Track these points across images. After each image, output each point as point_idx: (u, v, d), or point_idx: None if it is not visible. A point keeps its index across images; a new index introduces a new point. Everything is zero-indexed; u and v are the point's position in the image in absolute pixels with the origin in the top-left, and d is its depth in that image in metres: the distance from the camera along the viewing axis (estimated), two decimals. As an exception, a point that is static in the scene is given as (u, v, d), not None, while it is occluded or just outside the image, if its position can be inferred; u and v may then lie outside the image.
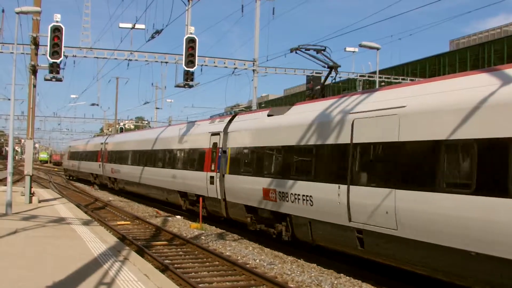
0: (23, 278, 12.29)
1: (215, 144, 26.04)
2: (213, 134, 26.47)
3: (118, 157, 46.27)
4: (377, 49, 40.46)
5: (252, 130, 22.48)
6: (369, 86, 55.11)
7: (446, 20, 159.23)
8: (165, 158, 33.93)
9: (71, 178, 73.19)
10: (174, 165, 32.09)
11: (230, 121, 25.48)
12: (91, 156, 57.66)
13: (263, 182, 20.48)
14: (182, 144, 31.20)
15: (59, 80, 28.12)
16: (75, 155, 68.81)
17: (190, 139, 30.13)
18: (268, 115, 21.55)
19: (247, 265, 17.29)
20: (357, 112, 15.68)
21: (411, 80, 52.35)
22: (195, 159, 28.55)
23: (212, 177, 25.76)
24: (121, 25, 40.00)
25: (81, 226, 22.07)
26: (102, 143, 53.55)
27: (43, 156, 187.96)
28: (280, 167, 19.58)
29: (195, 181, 27.95)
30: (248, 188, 21.80)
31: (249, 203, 21.93)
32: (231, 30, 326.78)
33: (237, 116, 25.32)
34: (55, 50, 25.70)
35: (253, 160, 21.67)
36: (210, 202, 26.33)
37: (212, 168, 25.83)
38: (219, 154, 25.20)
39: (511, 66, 11.85)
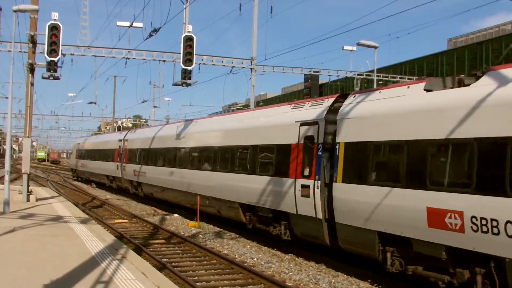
0: (20, 277, 12.29)
1: (309, 138, 18.74)
2: (306, 123, 19.07)
3: (145, 156, 38.07)
4: (375, 47, 40.53)
5: (399, 115, 14.57)
6: (367, 84, 55.16)
7: (444, 19, 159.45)
8: (221, 157, 25.64)
9: (80, 179, 65.91)
10: (235, 167, 23.98)
11: (334, 103, 18.38)
12: (106, 155, 49.54)
13: (427, 198, 13.11)
14: (249, 138, 23.10)
15: (57, 78, 28.09)
16: (84, 154, 61.25)
17: (261, 132, 22.34)
18: (426, 90, 14.29)
19: (245, 264, 17.31)
20: None
21: (409, 79, 52.38)
22: (273, 160, 20.84)
23: (305, 187, 18.38)
24: (119, 23, 40.13)
25: (79, 224, 22.06)
26: (120, 140, 45.63)
27: (41, 154, 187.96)
28: (475, 174, 12.01)
29: (274, 191, 20.39)
30: (393, 206, 14.24)
31: (392, 231, 14.47)
32: (229, 28, 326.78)
33: (352, 96, 17.51)
34: (53, 49, 25.66)
35: (402, 163, 14.15)
36: (300, 222, 18.93)
37: (306, 173, 18.44)
38: (319, 153, 18.00)
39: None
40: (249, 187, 22.24)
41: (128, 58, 41.50)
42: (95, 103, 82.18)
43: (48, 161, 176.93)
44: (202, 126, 30.20)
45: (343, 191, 16.21)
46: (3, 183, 29.63)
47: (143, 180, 38.16)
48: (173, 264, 17.23)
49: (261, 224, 22.24)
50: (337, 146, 16.79)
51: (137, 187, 40.53)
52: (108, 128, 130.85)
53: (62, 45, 26.65)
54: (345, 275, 16.29)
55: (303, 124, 19.13)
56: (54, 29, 25.62)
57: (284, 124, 20.58)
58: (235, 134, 24.67)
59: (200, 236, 23.20)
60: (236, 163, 23.93)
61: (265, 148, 21.53)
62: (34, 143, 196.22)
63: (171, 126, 36.31)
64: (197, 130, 30.24)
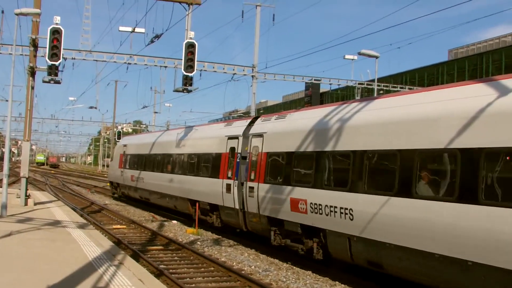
0: (16, 281, 12.23)
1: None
2: (231, 138, 25.25)
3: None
4: (376, 57, 40.51)
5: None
6: (367, 94, 55.19)
7: (445, 30, 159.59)
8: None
9: (122, 196, 45.52)
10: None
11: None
12: (201, 165, 27.80)
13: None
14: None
15: (58, 82, 28.09)
16: (140, 161, 39.33)
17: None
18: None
19: (243, 271, 17.26)
20: None
21: (409, 88, 52.38)
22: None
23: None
24: (121, 28, 40.09)
25: (77, 229, 22.01)
26: (234, 137, 24.67)
27: (40, 158, 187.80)
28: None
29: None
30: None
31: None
32: (232, 35, 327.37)
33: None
34: (54, 52, 25.63)
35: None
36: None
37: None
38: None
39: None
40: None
41: (130, 63, 41.56)
42: (95, 108, 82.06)
43: (47, 165, 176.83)
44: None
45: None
46: (1, 187, 29.58)
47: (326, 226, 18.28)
48: (171, 270, 17.17)
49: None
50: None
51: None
52: (108, 133, 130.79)
53: (63, 49, 26.65)
54: (342, 284, 16.25)
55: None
56: (56, 33, 25.61)
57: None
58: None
59: (198, 243, 23.16)
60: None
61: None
62: (34, 147, 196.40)
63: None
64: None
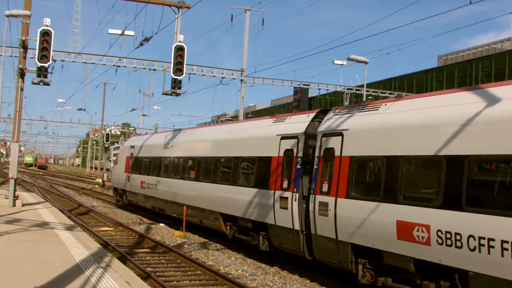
0: (2, 283, 12.22)
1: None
2: (286, 137, 19.79)
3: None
4: (365, 63, 40.71)
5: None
6: (356, 99, 55.40)
7: (435, 36, 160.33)
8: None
9: (128, 205, 40.81)
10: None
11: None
12: (240, 172, 22.70)
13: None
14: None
15: (47, 84, 28.02)
16: (155, 165, 34.06)
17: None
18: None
19: (229, 275, 17.30)
20: None
21: (398, 94, 52.62)
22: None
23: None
24: (111, 31, 40.11)
25: (64, 231, 21.99)
26: (300, 137, 19.09)
27: (28, 159, 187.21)
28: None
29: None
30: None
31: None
32: (221, 39, 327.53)
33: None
34: (44, 54, 25.60)
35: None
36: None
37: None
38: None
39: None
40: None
41: (119, 66, 41.57)
42: (84, 110, 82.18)
43: (35, 166, 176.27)
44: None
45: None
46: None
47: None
48: (158, 273, 17.21)
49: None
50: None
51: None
52: (96, 135, 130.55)
53: (53, 51, 26.63)
54: (329, 289, 16.33)
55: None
56: (45, 35, 25.58)
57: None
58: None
59: (186, 246, 23.18)
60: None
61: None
62: (22, 148, 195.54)
63: None
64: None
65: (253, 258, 20.96)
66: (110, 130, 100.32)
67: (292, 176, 18.56)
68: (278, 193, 19.15)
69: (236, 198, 22.34)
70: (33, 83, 28.23)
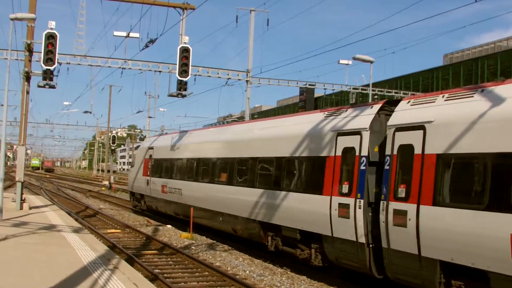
0: (11, 286, 12.25)
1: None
2: (345, 133, 16.89)
3: None
4: (371, 62, 40.57)
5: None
6: (362, 99, 55.34)
7: (440, 35, 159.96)
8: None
9: (147, 211, 38.03)
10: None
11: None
12: (284, 174, 20.19)
13: None
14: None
15: (53, 87, 28.08)
16: (178, 168, 31.16)
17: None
18: None
19: (237, 276, 17.27)
20: None
21: (404, 93, 52.56)
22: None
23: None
24: (116, 33, 40.19)
25: (72, 233, 22.01)
26: (364, 133, 16.33)
27: (35, 162, 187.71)
28: None
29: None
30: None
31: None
32: (226, 40, 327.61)
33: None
34: (49, 57, 25.67)
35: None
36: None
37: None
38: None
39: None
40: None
41: (124, 68, 41.54)
42: (90, 112, 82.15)
43: (42, 169, 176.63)
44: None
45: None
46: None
47: None
48: (165, 275, 17.19)
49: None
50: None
51: None
52: (102, 137, 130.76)
53: (58, 53, 26.69)
54: (337, 289, 16.27)
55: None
56: (50, 38, 25.64)
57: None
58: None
59: (193, 247, 23.16)
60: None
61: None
62: (29, 151, 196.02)
63: None
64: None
65: (261, 258, 20.92)
66: (117, 132, 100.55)
67: (355, 179, 15.73)
68: (335, 199, 16.32)
69: (280, 205, 19.44)
70: (39, 86, 28.33)
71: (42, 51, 25.83)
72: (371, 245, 15.10)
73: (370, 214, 15.16)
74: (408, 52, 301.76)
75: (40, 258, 15.87)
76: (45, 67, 26.39)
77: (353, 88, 51.67)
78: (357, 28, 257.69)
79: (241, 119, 54.04)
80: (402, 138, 14.24)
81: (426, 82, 65.90)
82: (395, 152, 14.36)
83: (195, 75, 41.93)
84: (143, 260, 19.63)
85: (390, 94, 52.80)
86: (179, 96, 28.69)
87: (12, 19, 26.21)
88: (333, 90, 52.17)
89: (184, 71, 27.06)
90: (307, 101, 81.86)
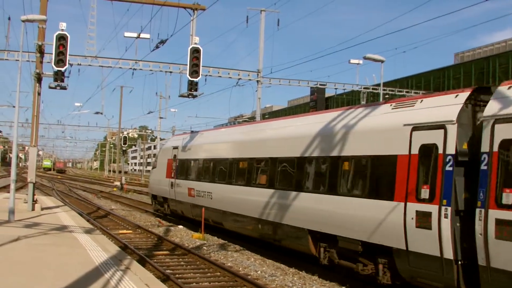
0: (23, 286, 12.27)
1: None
2: (422, 127, 14.31)
3: None
4: (382, 61, 40.46)
5: None
6: (373, 98, 55.24)
7: (451, 34, 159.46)
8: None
9: (170, 215, 35.29)
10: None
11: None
12: (340, 177, 17.33)
13: None
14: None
15: (64, 88, 28.18)
16: (207, 169, 28.59)
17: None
18: None
19: (249, 276, 17.24)
20: None
21: (415, 93, 52.42)
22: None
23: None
24: (126, 34, 40.31)
25: (83, 234, 22.04)
26: (449, 126, 13.56)
27: (47, 163, 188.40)
28: None
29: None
30: None
31: None
32: (236, 40, 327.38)
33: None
34: (60, 59, 25.73)
35: None
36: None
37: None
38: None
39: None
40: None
41: (135, 69, 41.68)
42: (101, 113, 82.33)
43: (53, 170, 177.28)
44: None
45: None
46: (8, 192, 29.67)
47: None
48: (177, 275, 17.18)
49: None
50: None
51: None
52: (113, 138, 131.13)
53: (69, 55, 26.75)
54: (349, 290, 16.21)
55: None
56: (61, 39, 25.71)
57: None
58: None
59: (204, 248, 23.15)
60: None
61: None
62: (40, 152, 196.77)
63: None
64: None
65: (272, 258, 20.89)
66: (128, 133, 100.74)
67: (438, 182, 13.30)
68: (411, 206, 13.85)
69: (337, 212, 16.92)
70: (50, 88, 28.44)
71: (53, 52, 25.90)
72: (460, 262, 12.80)
73: (458, 224, 12.84)
74: (419, 51, 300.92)
75: (51, 259, 15.90)
76: (56, 69, 26.47)
77: (364, 88, 51.60)
78: (367, 28, 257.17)
79: (252, 119, 53.92)
80: (506, 132, 11.80)
81: (437, 81, 65.69)
82: (495, 149, 11.89)
83: (206, 75, 42.02)
84: (155, 260, 19.62)
85: (401, 93, 52.65)
86: (190, 96, 28.71)
87: (23, 21, 26.28)
88: (344, 89, 52.14)
89: (194, 72, 27.07)
90: (318, 101, 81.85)
